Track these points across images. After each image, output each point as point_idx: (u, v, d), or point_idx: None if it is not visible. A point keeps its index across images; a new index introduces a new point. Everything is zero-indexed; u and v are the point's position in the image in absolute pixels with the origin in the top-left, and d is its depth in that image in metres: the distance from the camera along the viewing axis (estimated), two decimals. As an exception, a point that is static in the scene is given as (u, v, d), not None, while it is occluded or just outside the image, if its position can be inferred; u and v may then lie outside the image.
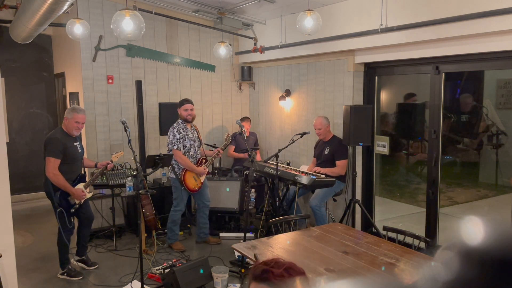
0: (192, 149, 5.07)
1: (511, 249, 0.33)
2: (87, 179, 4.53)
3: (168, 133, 5.04)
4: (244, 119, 6.70)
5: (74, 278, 4.41)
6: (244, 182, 5.76)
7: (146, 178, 5.40)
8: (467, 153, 6.57)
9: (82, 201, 4.41)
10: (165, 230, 5.31)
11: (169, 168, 5.12)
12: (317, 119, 5.32)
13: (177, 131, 4.97)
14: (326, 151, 5.26)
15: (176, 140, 4.95)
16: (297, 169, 5.46)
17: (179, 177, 5.02)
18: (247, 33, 6.64)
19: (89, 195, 4.50)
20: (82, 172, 4.56)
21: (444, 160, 5.18)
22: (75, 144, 4.33)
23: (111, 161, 4.61)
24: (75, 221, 4.59)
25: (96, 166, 4.66)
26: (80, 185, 4.38)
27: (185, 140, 4.98)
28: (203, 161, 5.21)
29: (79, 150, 4.39)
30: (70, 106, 6.64)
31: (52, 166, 4.11)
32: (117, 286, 4.25)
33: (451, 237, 0.37)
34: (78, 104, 6.24)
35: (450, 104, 5.87)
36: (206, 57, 6.81)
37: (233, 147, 6.56)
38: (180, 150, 4.96)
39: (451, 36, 3.96)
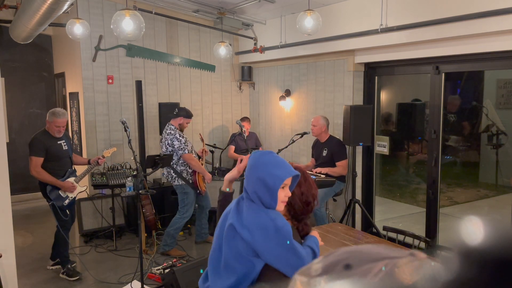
0: (193, 151, 5.05)
1: (511, 249, 0.33)
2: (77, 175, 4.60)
3: (169, 141, 4.84)
4: (244, 119, 6.69)
5: (70, 278, 4.42)
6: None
7: (146, 178, 5.39)
8: (467, 153, 6.57)
9: (76, 194, 4.49)
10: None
11: (173, 177, 4.91)
12: (316, 116, 5.30)
13: (179, 136, 4.87)
14: (324, 153, 5.24)
15: (183, 144, 4.84)
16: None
17: (191, 181, 4.92)
18: (247, 33, 6.64)
19: (82, 189, 4.58)
20: (73, 168, 4.62)
21: (444, 160, 5.18)
22: (58, 142, 4.41)
23: (103, 156, 4.67)
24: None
25: (89, 162, 4.69)
26: (70, 179, 4.46)
27: (187, 145, 4.95)
28: (201, 161, 5.18)
29: (65, 148, 4.47)
30: (69, 105, 6.67)
31: (34, 164, 4.25)
32: (117, 286, 4.25)
33: (451, 237, 0.37)
34: (78, 104, 6.24)
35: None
36: (206, 57, 6.81)
37: (233, 148, 6.55)
38: (190, 153, 4.91)
39: (451, 36, 3.96)
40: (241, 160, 2.15)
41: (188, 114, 5.02)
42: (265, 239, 1.74)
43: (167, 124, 4.99)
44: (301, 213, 1.96)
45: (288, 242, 1.75)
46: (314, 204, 2.02)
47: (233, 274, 1.79)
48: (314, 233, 2.06)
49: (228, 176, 2.16)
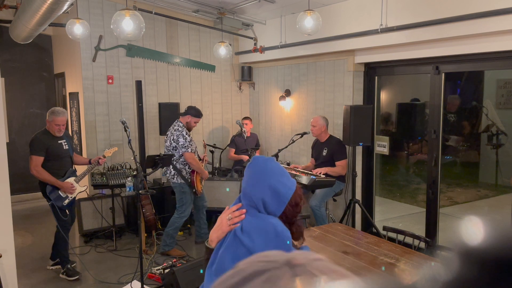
0: (196, 152, 5.06)
1: (511, 249, 0.33)
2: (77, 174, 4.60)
3: (175, 136, 4.85)
4: (246, 118, 6.71)
5: (70, 278, 4.42)
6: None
7: (146, 178, 5.39)
8: (467, 153, 6.57)
9: (75, 195, 4.49)
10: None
11: (172, 174, 4.92)
12: (316, 117, 5.31)
13: (186, 134, 4.87)
14: (324, 152, 5.24)
15: (188, 143, 4.85)
16: (297, 169, 5.45)
17: (189, 180, 4.93)
18: (247, 33, 6.64)
19: (82, 189, 4.58)
20: (73, 167, 4.62)
21: (444, 160, 5.18)
22: (59, 142, 4.42)
23: (103, 156, 4.67)
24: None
25: (90, 162, 4.70)
26: (70, 179, 4.46)
27: (191, 144, 4.95)
28: (201, 163, 5.18)
29: (66, 147, 4.47)
30: (69, 105, 6.67)
31: (34, 163, 4.25)
32: (117, 286, 4.25)
33: (451, 237, 0.37)
34: (78, 104, 6.25)
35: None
36: (206, 57, 6.81)
37: (233, 150, 6.54)
38: (193, 152, 4.92)
39: (451, 36, 3.96)
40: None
41: (197, 113, 5.01)
42: (265, 243, 1.75)
43: (176, 121, 5.01)
44: (292, 216, 1.89)
45: (288, 243, 1.76)
46: (302, 203, 1.95)
47: None
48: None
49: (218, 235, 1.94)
